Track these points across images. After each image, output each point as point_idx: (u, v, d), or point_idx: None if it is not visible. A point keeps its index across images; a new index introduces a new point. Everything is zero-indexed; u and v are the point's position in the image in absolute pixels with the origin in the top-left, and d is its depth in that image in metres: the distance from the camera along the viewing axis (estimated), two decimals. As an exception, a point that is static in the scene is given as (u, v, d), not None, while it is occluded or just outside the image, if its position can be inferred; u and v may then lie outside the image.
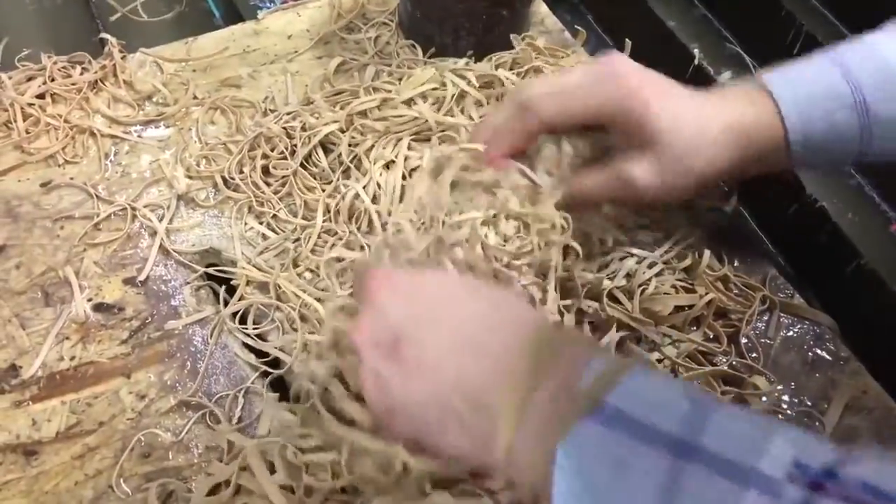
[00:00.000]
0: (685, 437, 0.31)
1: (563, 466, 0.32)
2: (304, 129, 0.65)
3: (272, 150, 0.64)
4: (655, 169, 0.50)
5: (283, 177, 0.63)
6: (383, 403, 0.39)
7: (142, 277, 0.59)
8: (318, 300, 0.57)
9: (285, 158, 0.64)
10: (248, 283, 0.59)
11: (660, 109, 0.49)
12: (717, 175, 0.51)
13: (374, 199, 0.60)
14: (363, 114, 0.65)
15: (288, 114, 0.66)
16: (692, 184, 0.51)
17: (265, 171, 0.64)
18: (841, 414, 0.53)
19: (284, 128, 0.65)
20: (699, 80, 0.72)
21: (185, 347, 0.57)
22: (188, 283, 0.60)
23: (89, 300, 0.58)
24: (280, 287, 0.58)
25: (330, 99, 0.68)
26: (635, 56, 0.53)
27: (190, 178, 0.65)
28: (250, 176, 0.63)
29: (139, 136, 0.68)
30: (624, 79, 0.50)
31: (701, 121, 0.50)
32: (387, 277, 0.43)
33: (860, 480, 0.28)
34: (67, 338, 0.57)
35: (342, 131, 0.64)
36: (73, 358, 0.56)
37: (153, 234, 0.62)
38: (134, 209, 0.62)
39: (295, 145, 0.64)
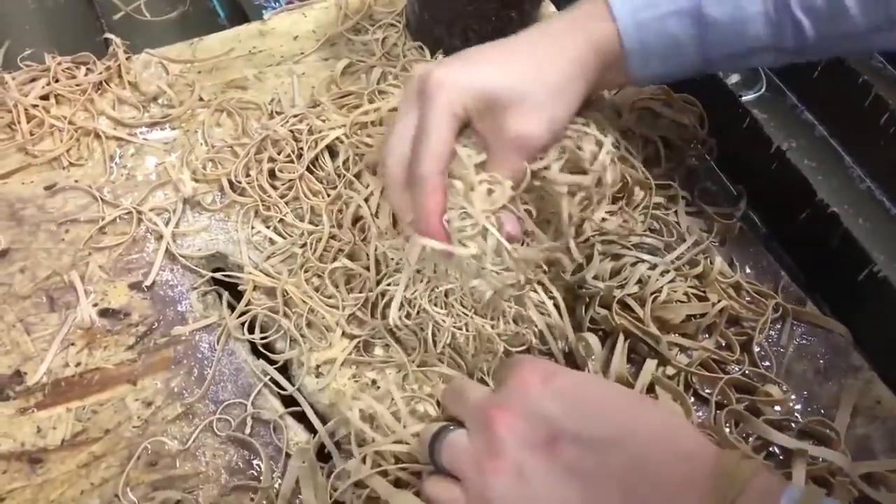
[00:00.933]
0: None
1: None
2: (310, 132, 0.64)
3: (279, 154, 0.64)
4: (518, 118, 0.49)
5: (290, 180, 0.62)
6: (506, 494, 0.36)
7: (148, 282, 0.59)
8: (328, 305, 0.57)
9: (292, 162, 0.63)
10: (254, 288, 0.58)
11: (493, 86, 0.49)
12: (572, 109, 0.51)
13: (377, 213, 0.59)
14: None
15: (294, 116, 0.65)
16: (553, 121, 0.50)
17: (271, 174, 0.63)
18: (854, 423, 0.53)
19: (291, 131, 0.64)
20: (710, 84, 0.72)
21: (191, 354, 0.56)
22: (195, 288, 0.59)
23: (95, 305, 0.58)
24: (287, 293, 0.57)
25: (337, 101, 0.67)
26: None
27: (196, 181, 0.64)
28: (257, 179, 0.63)
29: (144, 139, 0.67)
30: (426, 91, 0.49)
31: (537, 70, 0.50)
32: (543, 367, 0.40)
33: None
34: (73, 344, 0.56)
35: (346, 137, 0.63)
36: (78, 364, 0.55)
37: (159, 238, 0.61)
38: (140, 213, 0.62)
39: (301, 148, 0.63)
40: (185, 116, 0.68)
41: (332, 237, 0.59)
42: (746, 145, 0.69)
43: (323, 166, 0.63)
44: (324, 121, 0.65)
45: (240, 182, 0.63)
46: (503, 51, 0.52)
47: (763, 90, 0.74)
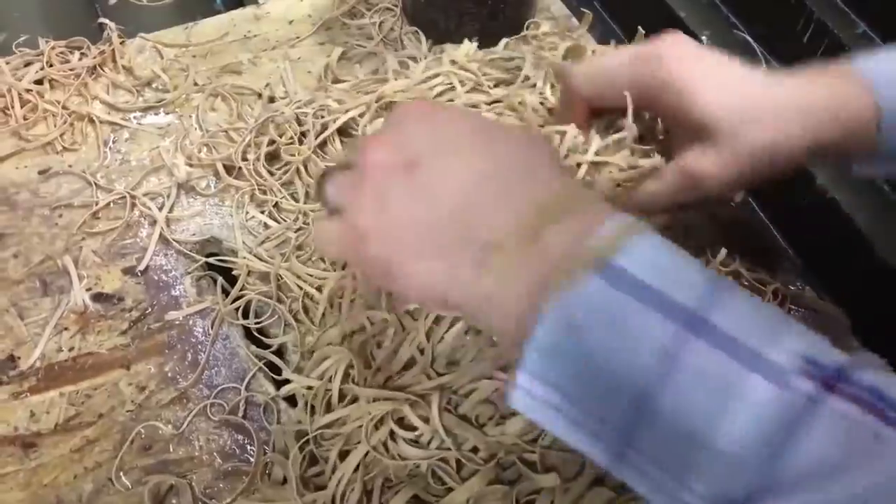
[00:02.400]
0: (694, 310, 0.29)
1: (549, 318, 0.30)
2: (316, 115, 0.63)
3: (280, 136, 0.63)
4: (721, 160, 0.46)
5: (286, 164, 0.62)
6: (369, 221, 0.36)
7: (141, 267, 0.58)
8: (319, 290, 0.56)
9: (294, 144, 0.63)
10: (249, 273, 0.58)
11: (711, 95, 0.46)
12: (793, 159, 0.47)
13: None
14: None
15: (301, 100, 0.65)
16: (766, 170, 0.47)
17: (270, 157, 0.63)
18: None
19: (295, 113, 0.63)
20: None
21: (185, 339, 0.56)
22: (189, 273, 0.59)
23: (88, 290, 0.57)
24: (281, 278, 0.57)
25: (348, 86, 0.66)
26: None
27: (190, 165, 0.63)
28: (254, 164, 0.62)
29: (139, 123, 0.67)
30: (667, 60, 0.47)
31: (769, 102, 0.46)
32: (416, 105, 0.39)
33: (869, 384, 0.27)
34: (66, 328, 0.56)
35: (361, 116, 0.62)
36: (71, 349, 0.55)
37: (153, 223, 0.61)
38: (133, 197, 0.61)
39: (305, 132, 0.63)
40: (180, 101, 0.68)
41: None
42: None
43: (334, 150, 0.63)
44: (340, 103, 0.64)
45: (237, 166, 0.63)
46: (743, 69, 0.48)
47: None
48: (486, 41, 0.70)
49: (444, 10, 0.69)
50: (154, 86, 0.69)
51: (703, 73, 0.47)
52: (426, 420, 0.46)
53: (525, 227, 0.33)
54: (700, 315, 0.29)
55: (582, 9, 0.73)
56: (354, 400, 0.50)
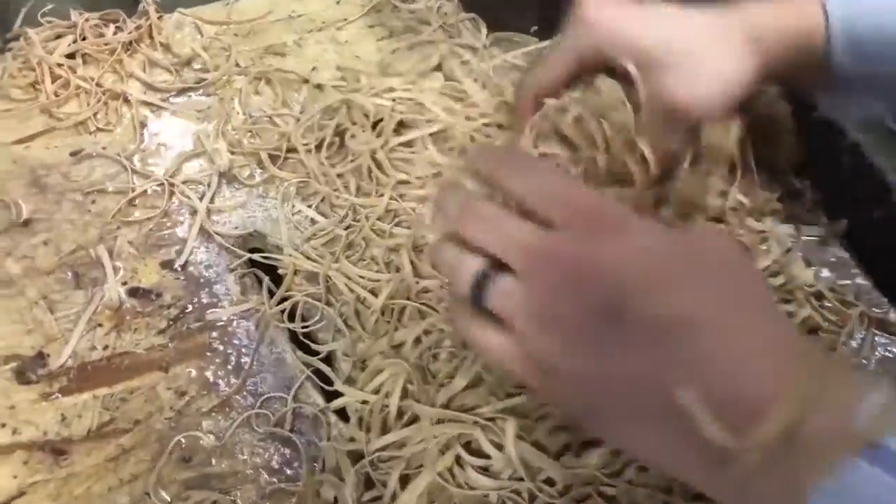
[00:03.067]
0: None
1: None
2: (395, 108, 0.59)
3: (353, 123, 0.59)
4: (683, 80, 0.47)
5: (346, 156, 0.58)
6: (572, 364, 0.31)
7: (181, 261, 0.55)
8: (373, 293, 0.53)
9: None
10: (295, 272, 0.54)
11: (651, 38, 0.47)
12: (747, 82, 0.48)
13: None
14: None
15: (374, 88, 0.60)
16: (726, 91, 0.48)
17: (323, 146, 0.59)
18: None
19: (372, 102, 0.59)
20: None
21: (228, 341, 0.52)
22: (231, 269, 0.55)
23: (124, 284, 0.53)
24: (330, 279, 0.53)
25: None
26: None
27: (232, 153, 0.59)
28: (311, 152, 0.58)
29: (177, 105, 0.62)
30: (594, 22, 0.48)
31: (713, 31, 0.48)
32: (612, 212, 0.34)
33: None
34: (100, 325, 0.52)
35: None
36: (106, 347, 0.51)
37: (193, 213, 0.57)
38: (172, 185, 0.57)
39: (376, 122, 0.58)
40: (221, 83, 0.64)
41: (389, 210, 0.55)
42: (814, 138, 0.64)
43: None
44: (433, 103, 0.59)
45: (282, 156, 0.59)
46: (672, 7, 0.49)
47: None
48: (545, 32, 0.66)
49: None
50: (193, 65, 0.65)
51: (633, 23, 0.48)
52: (499, 447, 0.42)
53: (785, 401, 0.29)
54: None
55: None
56: (414, 419, 0.46)
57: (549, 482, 0.43)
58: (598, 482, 0.42)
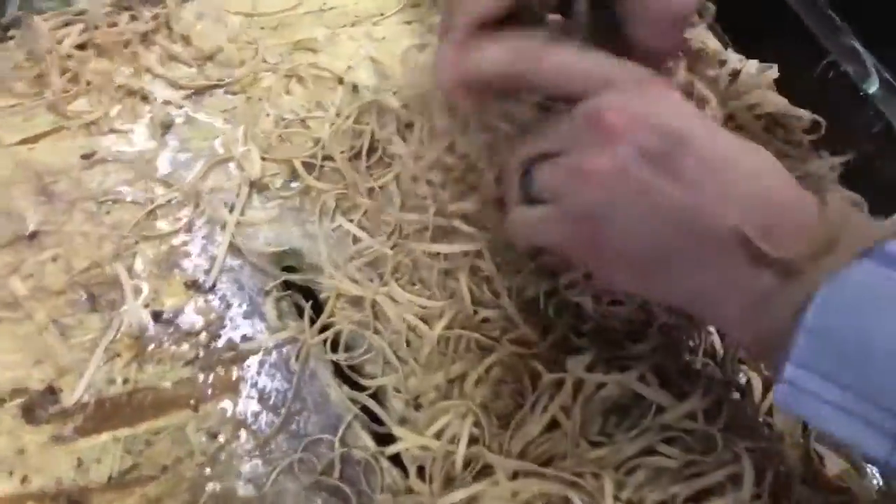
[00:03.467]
0: None
1: (820, 299, 0.29)
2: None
3: (382, 129, 0.53)
4: None
5: (388, 164, 0.52)
6: (621, 212, 0.33)
7: (210, 281, 0.49)
8: (425, 321, 0.47)
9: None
10: (338, 296, 0.49)
11: None
12: None
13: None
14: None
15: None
16: None
17: (360, 154, 0.53)
18: None
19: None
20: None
21: (265, 374, 0.46)
22: (266, 292, 0.49)
23: (145, 307, 0.48)
24: (377, 304, 0.48)
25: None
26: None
27: (263, 159, 0.54)
28: (342, 161, 0.52)
29: (200, 104, 0.56)
30: None
31: None
32: (656, 83, 0.35)
33: None
34: (118, 354, 0.46)
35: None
36: (126, 381, 0.45)
37: (221, 227, 0.51)
38: (198, 195, 0.51)
39: (410, 123, 0.53)
40: (248, 81, 0.58)
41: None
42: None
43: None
44: None
45: (318, 164, 0.53)
46: None
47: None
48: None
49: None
50: (217, 60, 0.59)
51: None
52: (593, 510, 0.37)
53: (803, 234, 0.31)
54: None
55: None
56: (484, 469, 0.41)
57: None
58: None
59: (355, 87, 0.57)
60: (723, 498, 0.37)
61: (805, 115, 0.57)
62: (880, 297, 0.29)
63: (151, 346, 0.46)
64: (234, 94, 0.57)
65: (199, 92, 0.57)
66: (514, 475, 0.39)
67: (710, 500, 0.37)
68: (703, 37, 0.62)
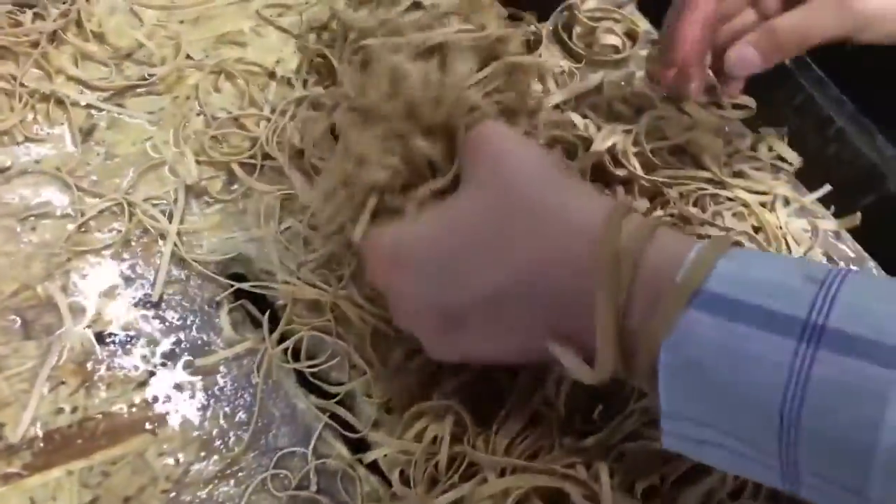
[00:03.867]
0: (805, 318, 0.27)
1: (666, 361, 0.29)
2: None
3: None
4: None
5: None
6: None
7: (155, 296, 0.46)
8: (389, 323, 0.46)
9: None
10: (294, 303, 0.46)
11: None
12: None
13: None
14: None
15: None
16: None
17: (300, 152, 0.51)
18: None
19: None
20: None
21: (224, 390, 0.44)
22: (217, 302, 0.46)
23: (87, 327, 0.44)
24: (337, 307, 0.46)
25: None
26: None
27: (198, 163, 0.51)
28: (284, 160, 0.50)
29: (121, 106, 0.53)
30: None
31: None
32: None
33: None
34: (63, 382, 0.43)
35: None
36: (75, 409, 0.42)
37: (159, 237, 0.48)
38: (132, 205, 0.48)
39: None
40: (172, 79, 0.54)
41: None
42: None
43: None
44: None
45: (259, 164, 0.51)
46: None
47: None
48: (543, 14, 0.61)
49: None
50: (135, 58, 0.55)
51: None
52: (589, 499, 0.37)
53: (602, 289, 0.31)
54: (814, 323, 0.27)
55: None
56: (470, 468, 0.40)
57: (636, 532, 0.38)
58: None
59: (289, 81, 0.55)
60: (710, 476, 0.38)
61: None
62: (729, 353, 0.28)
63: (99, 370, 0.43)
64: (159, 94, 0.54)
65: (119, 93, 0.53)
66: (502, 472, 0.39)
67: (699, 479, 0.38)
68: (635, 17, 0.62)
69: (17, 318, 0.44)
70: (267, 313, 0.46)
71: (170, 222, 0.48)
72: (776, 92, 0.60)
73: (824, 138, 0.62)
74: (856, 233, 0.58)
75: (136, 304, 0.46)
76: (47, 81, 0.52)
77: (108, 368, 0.43)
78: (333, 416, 0.44)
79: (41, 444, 0.41)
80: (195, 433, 0.42)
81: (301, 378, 0.45)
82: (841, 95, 0.63)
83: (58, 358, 0.43)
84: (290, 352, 0.45)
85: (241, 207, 0.50)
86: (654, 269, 0.31)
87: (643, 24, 0.63)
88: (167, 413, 0.43)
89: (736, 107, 0.59)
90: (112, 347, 0.44)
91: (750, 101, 0.59)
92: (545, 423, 0.40)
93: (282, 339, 0.46)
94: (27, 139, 0.50)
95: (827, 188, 0.58)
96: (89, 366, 0.43)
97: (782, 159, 0.58)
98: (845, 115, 0.63)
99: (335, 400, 0.44)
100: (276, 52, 0.57)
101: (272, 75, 0.56)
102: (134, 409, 0.42)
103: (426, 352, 0.39)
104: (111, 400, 0.42)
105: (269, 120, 0.53)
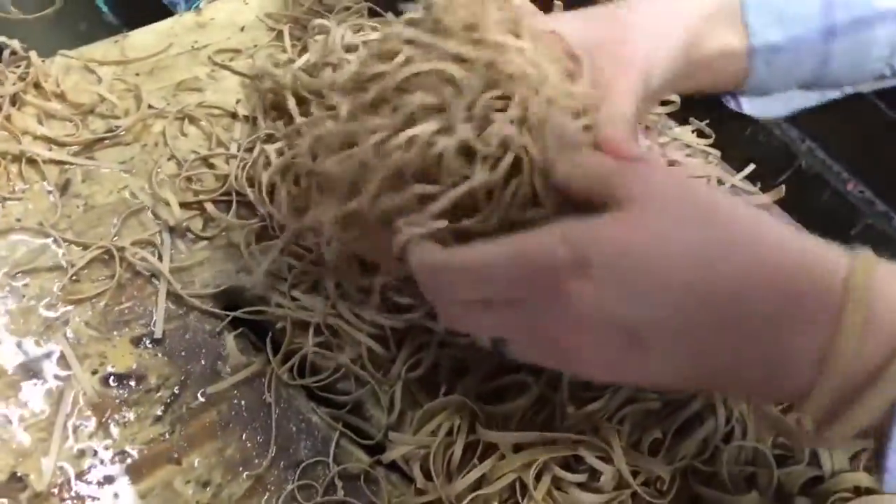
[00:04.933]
0: None
1: None
2: None
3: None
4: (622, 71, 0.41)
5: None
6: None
7: (157, 334, 0.47)
8: (382, 339, 0.48)
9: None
10: (292, 324, 0.49)
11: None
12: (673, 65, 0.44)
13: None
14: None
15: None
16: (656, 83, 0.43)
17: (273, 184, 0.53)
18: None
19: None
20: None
21: (239, 413, 0.46)
22: (218, 332, 0.48)
23: (94, 373, 0.45)
24: (330, 327, 0.48)
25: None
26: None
27: (179, 204, 0.52)
28: (255, 195, 0.52)
29: (93, 159, 0.54)
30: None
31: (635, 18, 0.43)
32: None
33: None
34: (80, 426, 0.43)
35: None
36: (95, 452, 0.43)
37: (153, 277, 0.49)
38: (120, 249, 0.49)
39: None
40: (138, 129, 0.56)
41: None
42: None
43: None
44: None
45: (233, 199, 0.53)
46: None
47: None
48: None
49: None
50: (98, 112, 0.56)
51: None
52: (603, 460, 0.40)
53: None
54: None
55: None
56: (487, 451, 0.43)
57: (647, 483, 0.42)
58: (693, 469, 0.42)
59: (253, 119, 0.57)
60: (703, 426, 0.42)
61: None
62: None
63: (114, 411, 0.44)
64: (128, 143, 0.55)
65: (88, 146, 0.54)
66: (517, 449, 0.42)
67: (693, 430, 0.42)
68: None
69: (26, 371, 0.45)
70: (269, 336, 0.48)
71: (160, 262, 0.49)
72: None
73: (742, 124, 0.68)
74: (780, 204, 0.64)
75: (139, 344, 0.47)
76: (15, 142, 0.53)
77: (123, 408, 0.44)
78: (346, 425, 0.46)
79: (67, 488, 0.41)
80: (218, 457, 0.44)
81: (310, 393, 0.47)
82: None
83: (71, 405, 0.44)
84: (295, 369, 0.48)
85: (226, 242, 0.52)
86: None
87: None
88: (187, 442, 0.44)
89: (663, 103, 0.65)
90: (124, 387, 0.45)
91: (675, 97, 0.65)
92: (549, 404, 0.44)
93: (286, 359, 0.48)
94: (4, 199, 0.51)
95: (751, 167, 0.64)
96: (104, 408, 0.44)
97: (709, 145, 0.64)
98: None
99: (346, 410, 0.47)
100: (234, 94, 0.59)
101: (234, 115, 0.58)
102: (154, 444, 0.44)
103: (581, 370, 0.35)
104: (129, 438, 0.44)
105: (236, 157, 0.55)
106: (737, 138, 0.68)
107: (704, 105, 0.67)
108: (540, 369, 0.44)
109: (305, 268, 0.51)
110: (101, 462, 0.43)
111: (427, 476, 0.43)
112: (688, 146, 0.62)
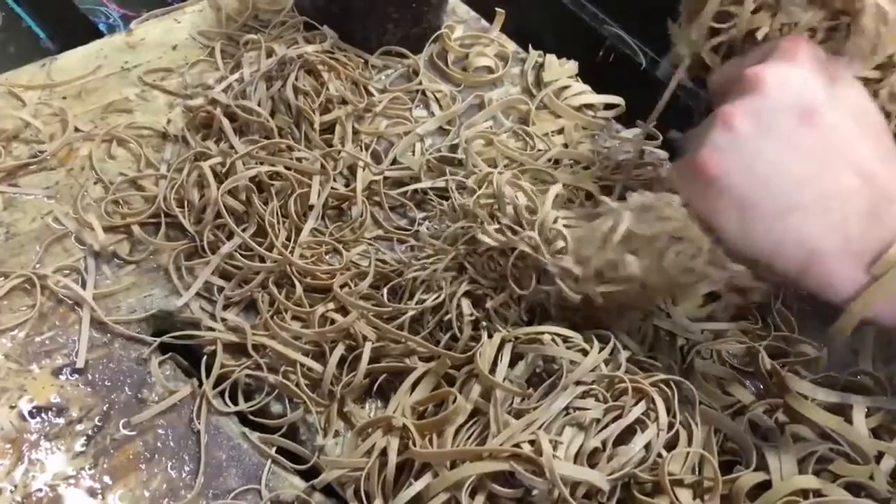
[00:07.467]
0: None
1: None
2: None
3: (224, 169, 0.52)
4: None
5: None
6: (741, 165, 0.36)
7: (79, 363, 0.45)
8: (315, 355, 0.47)
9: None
10: (222, 347, 0.47)
11: None
12: None
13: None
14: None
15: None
16: None
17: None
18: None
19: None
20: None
21: (165, 443, 0.44)
22: (144, 359, 0.46)
23: (12, 407, 0.43)
24: (263, 347, 0.47)
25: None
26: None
27: (103, 228, 0.51)
28: (184, 217, 0.51)
29: (15, 186, 0.52)
30: None
31: None
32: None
33: None
34: (-3, 463, 0.42)
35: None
36: (14, 488, 0.41)
37: (76, 305, 0.47)
38: (42, 277, 0.48)
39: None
40: (63, 153, 0.54)
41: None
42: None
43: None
44: None
45: (164, 220, 0.51)
46: None
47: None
48: (412, 49, 0.64)
49: (363, 18, 0.61)
50: (22, 138, 0.55)
51: None
52: (536, 473, 0.39)
53: None
54: None
55: (496, 8, 0.69)
56: (424, 469, 0.41)
57: (588, 495, 0.40)
58: (635, 477, 0.40)
59: (185, 139, 0.56)
60: (643, 433, 0.40)
61: (605, 98, 0.63)
62: None
63: (33, 446, 0.42)
64: (52, 168, 0.54)
65: (11, 173, 0.53)
66: (453, 465, 0.40)
67: (634, 436, 0.40)
68: (501, 39, 0.67)
69: (-62, 409, 0.43)
70: (203, 360, 0.46)
71: (83, 290, 0.48)
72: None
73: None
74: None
75: (60, 375, 0.45)
76: (-67, 172, 0.51)
77: (43, 441, 0.42)
78: (280, 451, 0.45)
79: (-17, 530, 0.39)
80: (143, 490, 0.42)
81: (242, 418, 0.46)
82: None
83: (-13, 441, 0.42)
84: (227, 394, 0.46)
85: (155, 265, 0.50)
86: None
87: (510, 45, 0.68)
88: (112, 475, 0.42)
89: (608, 107, 0.64)
90: (43, 420, 0.43)
91: (619, 101, 0.64)
92: (484, 413, 0.42)
93: (217, 383, 0.46)
94: (-79, 231, 0.49)
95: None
96: (22, 443, 0.42)
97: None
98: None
99: (279, 433, 0.45)
100: (164, 114, 0.58)
101: (164, 136, 0.56)
102: (76, 478, 0.42)
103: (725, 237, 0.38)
104: (52, 473, 0.42)
105: (165, 178, 0.53)
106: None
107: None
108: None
109: (236, 288, 0.49)
110: (22, 499, 0.41)
111: (363, 499, 0.41)
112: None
